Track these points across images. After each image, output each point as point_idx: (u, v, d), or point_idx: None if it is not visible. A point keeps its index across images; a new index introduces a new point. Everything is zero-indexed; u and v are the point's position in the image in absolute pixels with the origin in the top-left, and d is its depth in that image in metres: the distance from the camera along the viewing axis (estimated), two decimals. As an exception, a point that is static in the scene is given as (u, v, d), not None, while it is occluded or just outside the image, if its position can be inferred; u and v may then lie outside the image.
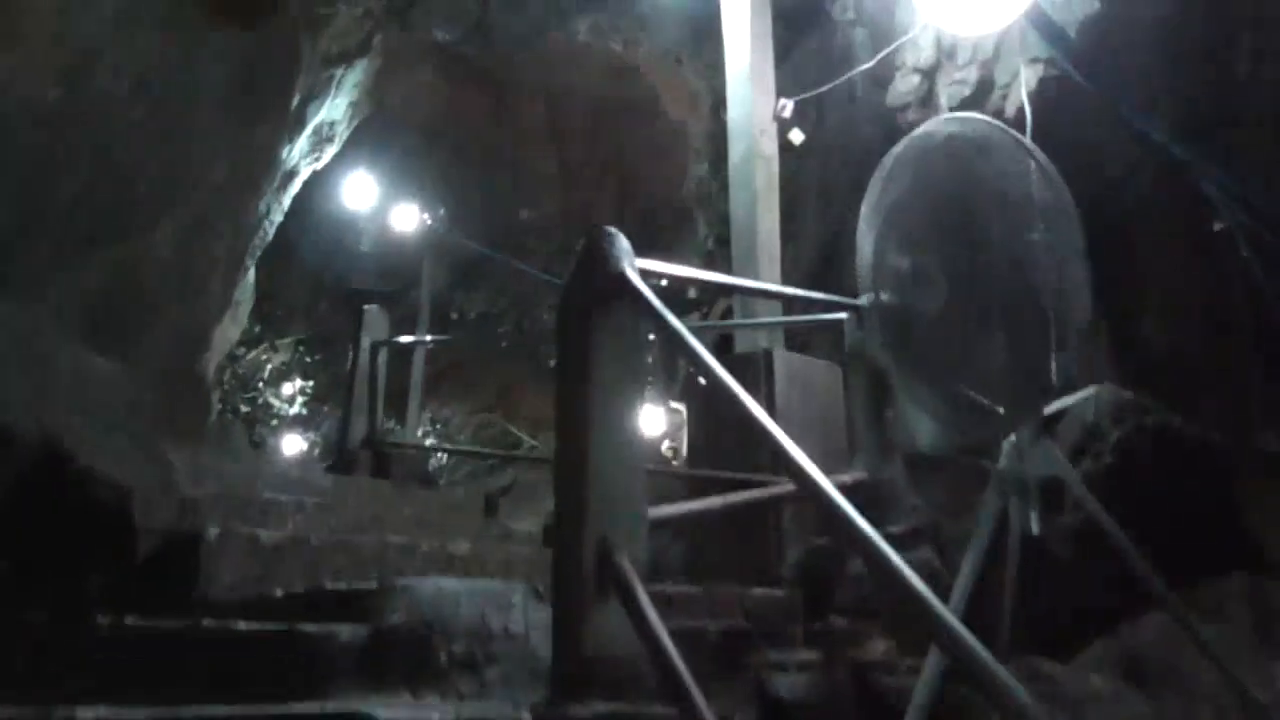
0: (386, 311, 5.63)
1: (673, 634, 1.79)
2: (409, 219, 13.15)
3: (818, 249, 7.81)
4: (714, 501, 2.62)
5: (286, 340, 17.51)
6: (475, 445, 27.43)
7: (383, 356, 5.45)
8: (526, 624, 2.57)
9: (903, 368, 2.87)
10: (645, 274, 2.33)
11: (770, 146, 4.12)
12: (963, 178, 2.72)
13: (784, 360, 3.56)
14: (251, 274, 9.13)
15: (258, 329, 16.04)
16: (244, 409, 18.59)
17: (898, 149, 2.87)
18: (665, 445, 16.84)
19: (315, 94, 7.61)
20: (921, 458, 2.92)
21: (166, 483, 3.35)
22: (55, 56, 5.01)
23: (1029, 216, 2.62)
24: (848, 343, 3.09)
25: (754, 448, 2.80)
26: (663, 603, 2.19)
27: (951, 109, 4.02)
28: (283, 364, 18.40)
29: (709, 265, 11.22)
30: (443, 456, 27.03)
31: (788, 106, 4.16)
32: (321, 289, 16.70)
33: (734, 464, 3.43)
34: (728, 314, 13.98)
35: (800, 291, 3.46)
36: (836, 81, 4.53)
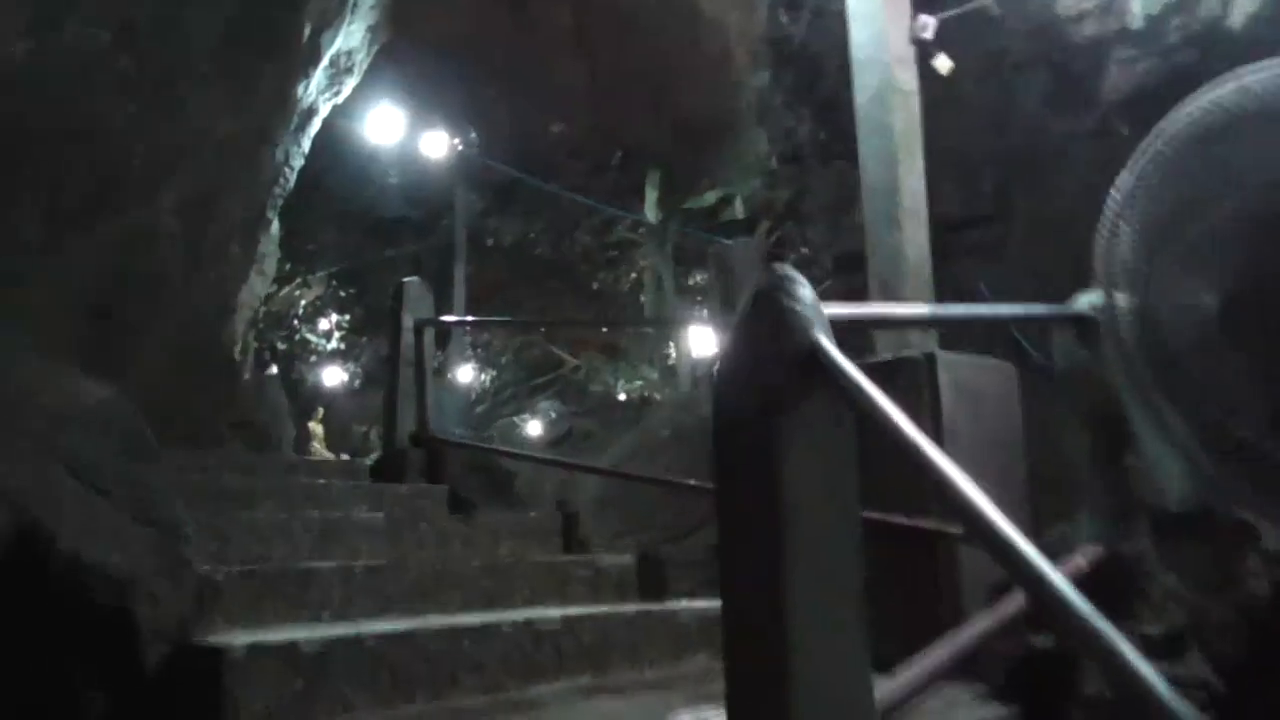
0: (425, 285, 4.84)
1: None
2: (438, 146, 12.25)
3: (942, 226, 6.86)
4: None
5: (319, 275, 16.85)
6: (517, 367, 27.01)
7: (428, 336, 4.70)
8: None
9: (1157, 399, 2.08)
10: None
11: (909, 78, 3.22)
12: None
13: (949, 367, 2.75)
14: (275, 224, 8.39)
15: (288, 266, 15.39)
16: (281, 346, 18.12)
17: (1180, 117, 2.02)
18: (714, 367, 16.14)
19: (328, 21, 6.70)
20: (1174, 519, 2.15)
21: (177, 561, 2.65)
22: (18, 4, 4.18)
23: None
24: (1066, 363, 2.29)
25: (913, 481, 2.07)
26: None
27: (1150, 17, 3.11)
28: (317, 299, 17.80)
29: (772, 186, 10.29)
30: (485, 379, 26.67)
31: (929, 25, 3.24)
32: (351, 221, 15.96)
33: (884, 496, 2.67)
34: (776, 239, 13.06)
35: (1008, 308, 2.58)
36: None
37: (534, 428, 29.21)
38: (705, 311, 16.20)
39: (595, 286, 16.58)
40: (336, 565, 2.82)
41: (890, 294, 3.04)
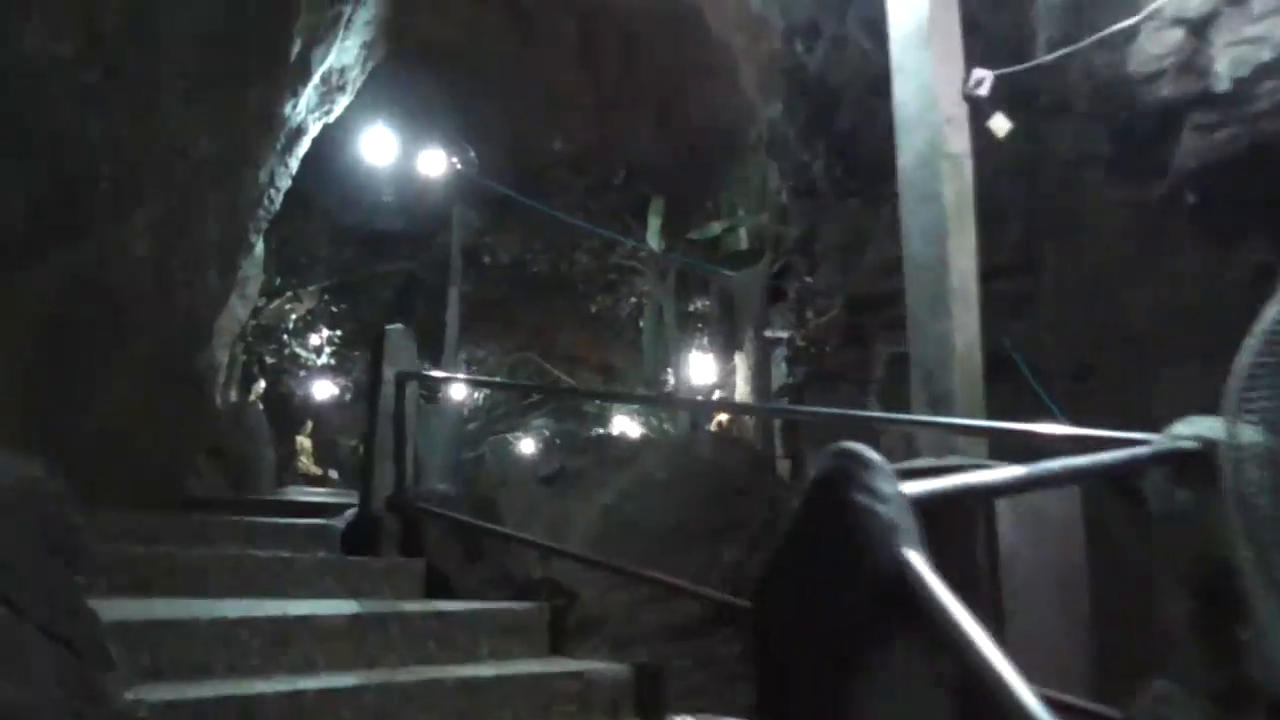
0: (412, 337, 4.44)
1: None
2: (435, 164, 11.85)
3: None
4: None
5: (311, 289, 16.43)
6: (509, 380, 26.66)
7: (411, 390, 4.29)
8: None
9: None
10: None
11: (961, 140, 2.82)
12: None
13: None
14: (260, 246, 8.02)
15: (278, 280, 14.97)
16: (270, 360, 17.69)
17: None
18: (716, 394, 15.75)
19: (320, 37, 6.32)
20: (1297, 708, 1.75)
21: (91, 692, 2.25)
22: (-32, 13, 3.79)
23: None
24: (1161, 505, 1.90)
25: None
26: None
27: (1238, 79, 2.73)
28: (308, 313, 17.38)
29: (781, 220, 9.91)
30: (478, 397, 26.30)
31: (986, 81, 2.84)
32: (344, 234, 15.55)
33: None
34: (778, 270, 12.66)
35: (1102, 458, 2.15)
36: (1079, 45, 3.12)
37: (527, 445, 28.82)
38: (706, 339, 15.86)
39: (594, 309, 16.18)
40: (286, 691, 2.41)
41: (935, 387, 2.64)
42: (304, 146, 7.07)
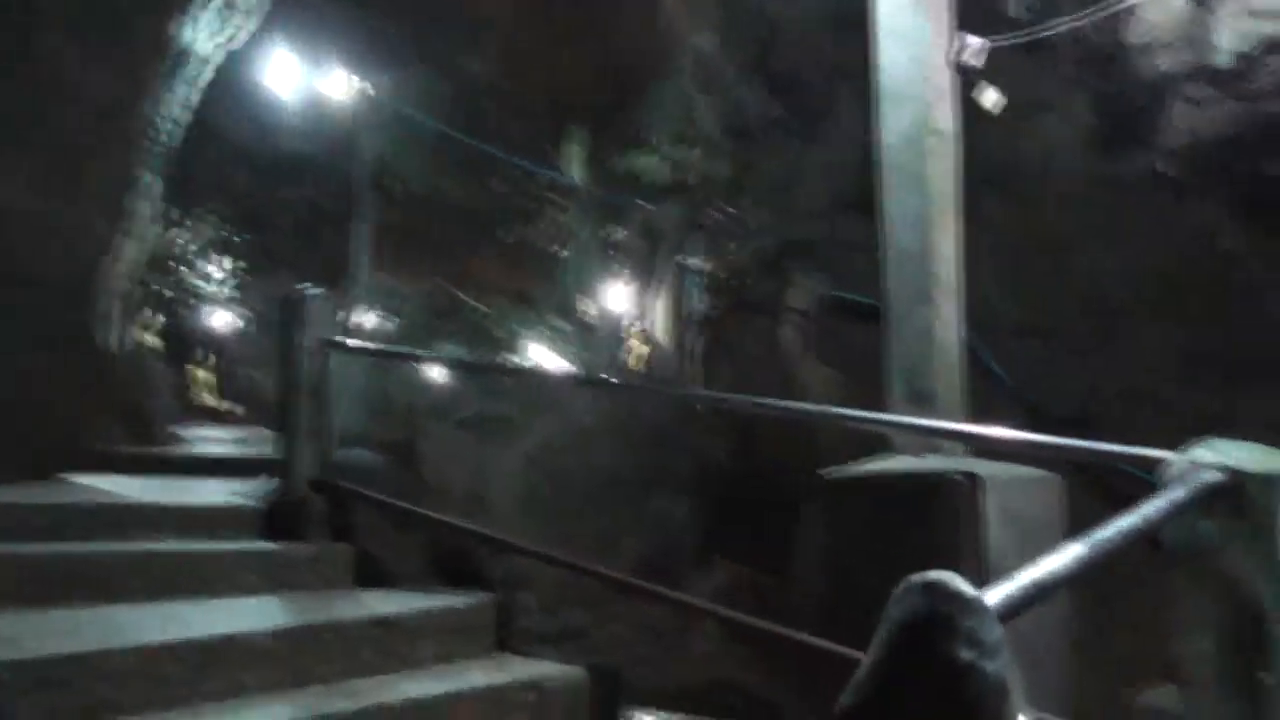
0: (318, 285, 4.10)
1: None
2: (339, 88, 11.14)
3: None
4: None
5: (209, 217, 15.49)
6: (422, 314, 26.05)
7: (334, 360, 3.96)
8: None
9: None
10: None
11: (948, 116, 2.59)
12: None
13: (997, 488, 2.22)
14: (159, 184, 7.41)
15: (172, 210, 14.06)
16: (168, 293, 16.76)
17: None
18: (635, 328, 15.55)
19: (216, -45, 5.72)
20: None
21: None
22: None
23: None
24: (1181, 537, 1.77)
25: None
26: None
27: (1239, 54, 2.56)
28: (207, 242, 16.45)
29: (713, 159, 9.62)
30: (390, 326, 25.61)
31: (979, 49, 2.59)
32: (245, 159, 14.60)
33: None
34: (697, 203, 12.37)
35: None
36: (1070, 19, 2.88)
37: (438, 372, 28.36)
38: (625, 270, 15.55)
39: (511, 240, 15.68)
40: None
41: (916, 382, 2.47)
42: (206, 76, 6.47)
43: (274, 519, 3.83)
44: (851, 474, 2.41)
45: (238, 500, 3.98)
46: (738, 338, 15.00)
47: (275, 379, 4.32)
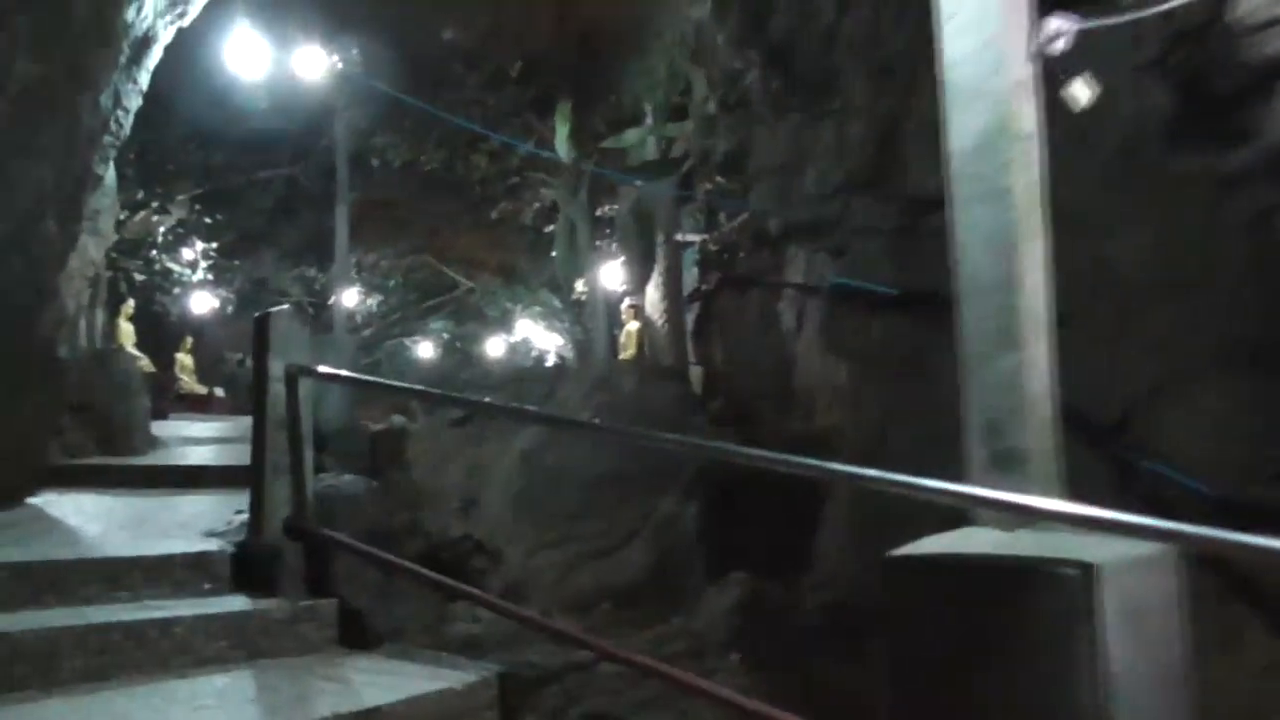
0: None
1: None
2: (313, 63, 10.56)
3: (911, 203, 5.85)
4: None
5: (180, 199, 14.90)
6: (406, 289, 25.53)
7: (305, 388, 3.52)
8: None
9: None
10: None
11: (1030, 115, 2.14)
12: None
13: (1114, 581, 1.82)
14: (111, 174, 6.91)
15: (140, 193, 13.47)
16: (140, 277, 16.20)
17: None
18: (625, 305, 15.09)
19: (164, -75, 5.18)
20: None
21: None
22: None
23: None
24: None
25: None
26: None
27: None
28: (179, 225, 15.86)
29: (708, 134, 9.14)
30: (371, 303, 25.07)
31: (1065, 33, 2.13)
32: (215, 140, 14.00)
33: None
34: (682, 177, 11.80)
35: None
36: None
37: (425, 349, 27.76)
38: (617, 246, 15.08)
39: (494, 215, 15.16)
40: None
41: (999, 442, 2.05)
42: (154, 58, 5.93)
43: (245, 568, 3.42)
44: (926, 554, 2.00)
45: (205, 547, 3.56)
46: (732, 313, 14.57)
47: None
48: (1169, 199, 4.05)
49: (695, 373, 13.58)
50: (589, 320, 14.91)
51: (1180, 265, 4.09)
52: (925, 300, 5.97)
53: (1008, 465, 2.04)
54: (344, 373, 3.96)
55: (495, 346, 26.12)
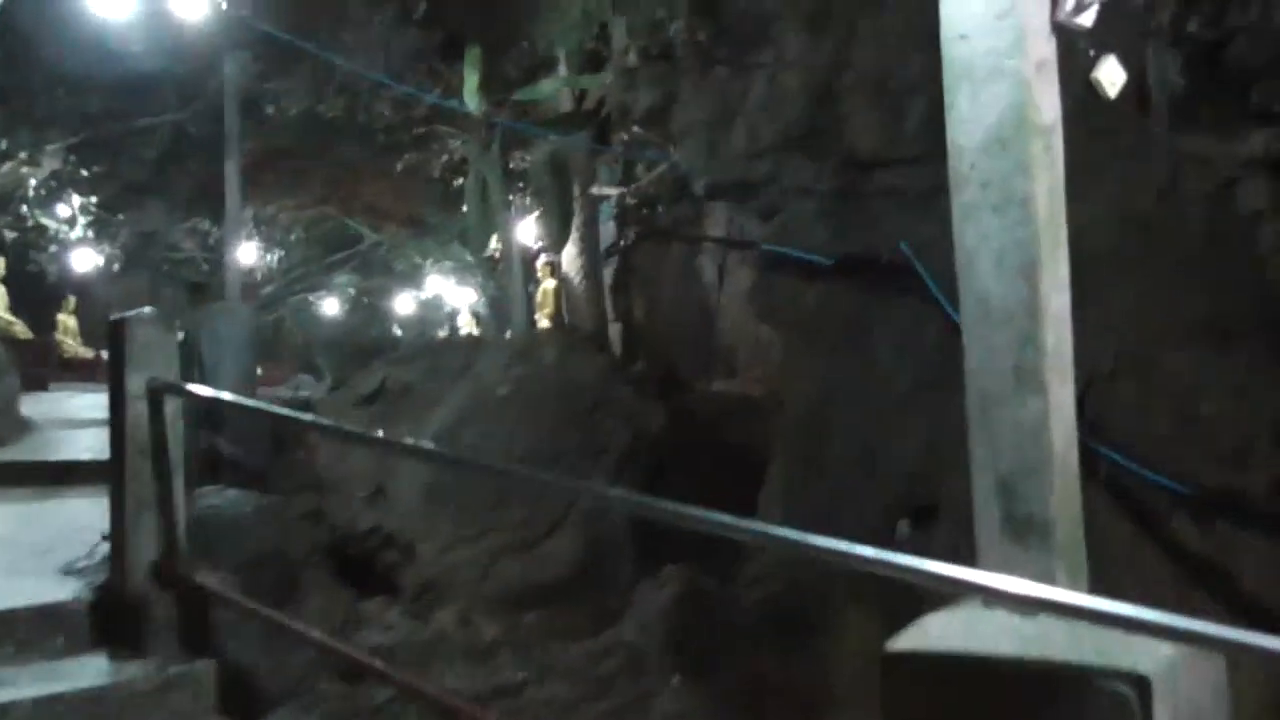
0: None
1: None
2: (195, 6, 9.64)
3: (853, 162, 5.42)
4: None
5: (51, 149, 13.67)
6: (309, 243, 24.36)
7: (172, 408, 2.98)
8: None
9: None
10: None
11: (1052, 103, 1.71)
12: None
13: (1169, 692, 1.48)
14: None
15: (3, 143, 12.27)
16: (9, 234, 14.95)
17: None
18: (541, 262, 14.52)
19: None
20: None
21: None
22: None
23: None
24: None
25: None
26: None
27: None
28: (51, 177, 14.59)
29: (629, 86, 8.56)
30: (271, 259, 23.88)
31: (1088, 6, 1.71)
32: (87, 84, 12.79)
33: None
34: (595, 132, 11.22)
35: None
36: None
37: (330, 306, 26.63)
38: (531, 200, 14.40)
39: (402, 167, 14.31)
40: None
41: (1018, 506, 1.68)
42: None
43: (104, 623, 2.90)
44: (936, 653, 1.61)
45: (58, 595, 3.02)
46: (652, 268, 14.11)
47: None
48: (1125, 169, 3.81)
49: (614, 330, 13.15)
50: (504, 278, 14.32)
51: (1138, 238, 3.89)
52: (864, 267, 5.64)
53: (1026, 534, 1.67)
54: (225, 395, 3.39)
55: (405, 304, 25.20)
